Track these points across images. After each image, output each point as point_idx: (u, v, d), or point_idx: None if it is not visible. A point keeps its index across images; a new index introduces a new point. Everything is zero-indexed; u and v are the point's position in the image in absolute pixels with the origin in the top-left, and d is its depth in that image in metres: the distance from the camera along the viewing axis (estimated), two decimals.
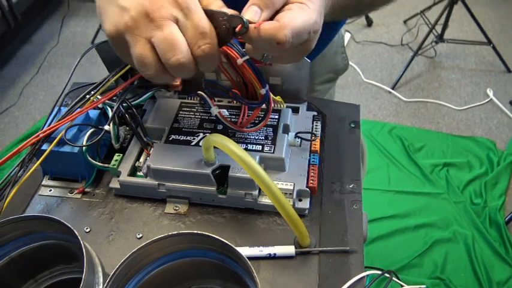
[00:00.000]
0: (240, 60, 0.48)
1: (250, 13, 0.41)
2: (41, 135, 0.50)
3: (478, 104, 1.98)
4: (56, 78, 2.23)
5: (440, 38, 2.11)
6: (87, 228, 0.51)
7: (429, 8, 2.20)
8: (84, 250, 0.37)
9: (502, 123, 1.89)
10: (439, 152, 1.76)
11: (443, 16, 2.04)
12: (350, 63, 0.93)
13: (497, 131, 1.86)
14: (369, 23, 2.43)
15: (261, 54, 0.45)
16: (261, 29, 0.40)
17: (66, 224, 0.38)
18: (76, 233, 0.38)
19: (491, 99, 1.99)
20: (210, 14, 0.41)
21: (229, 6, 0.44)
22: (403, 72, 2.07)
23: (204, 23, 0.40)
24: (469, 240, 1.46)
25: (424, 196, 1.61)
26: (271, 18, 0.42)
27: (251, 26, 0.41)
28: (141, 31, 0.40)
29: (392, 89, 2.06)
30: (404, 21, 2.42)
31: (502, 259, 1.41)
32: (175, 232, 0.38)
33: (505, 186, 1.63)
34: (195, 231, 0.37)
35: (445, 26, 2.08)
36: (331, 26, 0.74)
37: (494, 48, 2.09)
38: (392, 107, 1.99)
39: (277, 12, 0.42)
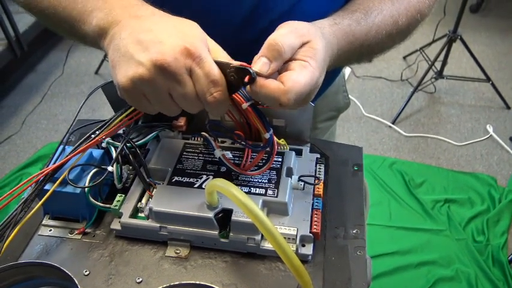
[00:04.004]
0: (245, 105, 0.48)
1: (259, 64, 0.42)
2: (45, 172, 0.50)
3: (478, 140, 1.99)
4: (58, 107, 2.25)
5: (439, 74, 2.14)
6: (86, 271, 0.50)
7: (429, 45, 2.24)
8: None
9: (502, 160, 1.89)
10: (440, 188, 1.75)
11: (443, 53, 2.08)
12: (350, 97, 0.94)
13: (497, 167, 1.86)
14: None
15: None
16: (266, 90, 0.42)
17: (66, 271, 0.38)
18: (75, 280, 0.37)
19: (491, 135, 2.00)
20: (219, 65, 0.43)
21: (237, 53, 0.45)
22: (403, 107, 2.09)
23: (215, 71, 0.42)
24: (472, 279, 1.43)
25: (425, 232, 1.59)
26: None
27: (258, 79, 0.42)
28: (159, 83, 0.42)
29: (393, 123, 2.07)
30: (404, 57, 2.46)
31: None
32: (177, 283, 0.37)
33: (507, 224, 1.62)
34: (197, 282, 0.36)
35: (444, 62, 2.11)
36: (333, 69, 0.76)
37: (493, 85, 2.12)
38: (393, 142, 2.00)
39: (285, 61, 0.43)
